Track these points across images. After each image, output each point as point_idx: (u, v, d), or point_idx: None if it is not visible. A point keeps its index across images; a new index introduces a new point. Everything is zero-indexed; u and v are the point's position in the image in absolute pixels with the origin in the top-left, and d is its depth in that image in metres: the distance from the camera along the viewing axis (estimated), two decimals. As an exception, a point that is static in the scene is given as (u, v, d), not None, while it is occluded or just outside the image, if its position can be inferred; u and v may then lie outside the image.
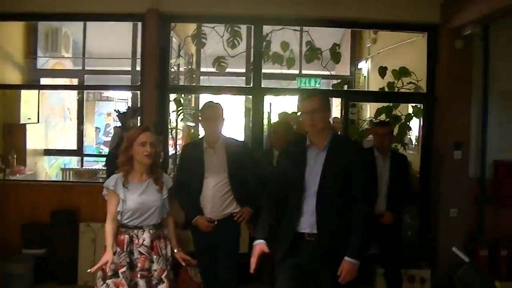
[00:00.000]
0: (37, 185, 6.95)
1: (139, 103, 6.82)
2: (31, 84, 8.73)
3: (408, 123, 6.99)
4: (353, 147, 3.94)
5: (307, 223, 3.66)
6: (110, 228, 3.96)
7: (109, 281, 3.85)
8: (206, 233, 4.63)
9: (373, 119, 7.29)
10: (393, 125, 6.79)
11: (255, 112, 6.74)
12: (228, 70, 7.18)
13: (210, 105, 4.78)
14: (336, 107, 9.61)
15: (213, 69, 7.34)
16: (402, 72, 6.94)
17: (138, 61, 7.38)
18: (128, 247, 3.96)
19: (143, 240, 3.98)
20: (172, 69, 7.28)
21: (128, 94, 8.17)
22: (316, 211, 3.63)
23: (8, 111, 7.98)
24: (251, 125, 6.98)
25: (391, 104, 7.01)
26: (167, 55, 6.66)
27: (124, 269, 3.89)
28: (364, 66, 10.30)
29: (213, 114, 4.67)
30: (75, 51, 10.18)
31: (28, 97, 8.62)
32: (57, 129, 9.94)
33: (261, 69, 6.71)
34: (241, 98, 9.81)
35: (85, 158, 9.79)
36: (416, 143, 7.53)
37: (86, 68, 9.82)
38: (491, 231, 6.63)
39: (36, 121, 8.89)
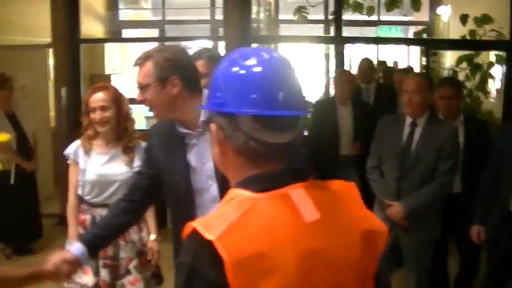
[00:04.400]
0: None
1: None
2: (114, 37, 9.09)
3: (489, 71, 6.91)
4: None
5: None
6: (73, 205, 3.38)
7: None
8: None
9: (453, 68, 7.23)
10: (474, 73, 6.79)
11: (337, 62, 6.75)
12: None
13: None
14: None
15: (290, 17, 7.34)
16: (484, 19, 6.81)
17: (217, 10, 7.43)
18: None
19: None
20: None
21: (208, 44, 8.34)
22: None
23: (93, 62, 8.38)
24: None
25: (473, 52, 6.93)
26: (249, 3, 6.65)
27: None
28: (444, 11, 10.07)
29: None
30: (155, 1, 10.45)
31: (111, 48, 9.00)
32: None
33: (341, 18, 6.72)
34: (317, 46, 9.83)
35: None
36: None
37: (166, 18, 10.07)
38: None
39: (120, 71, 9.28)
